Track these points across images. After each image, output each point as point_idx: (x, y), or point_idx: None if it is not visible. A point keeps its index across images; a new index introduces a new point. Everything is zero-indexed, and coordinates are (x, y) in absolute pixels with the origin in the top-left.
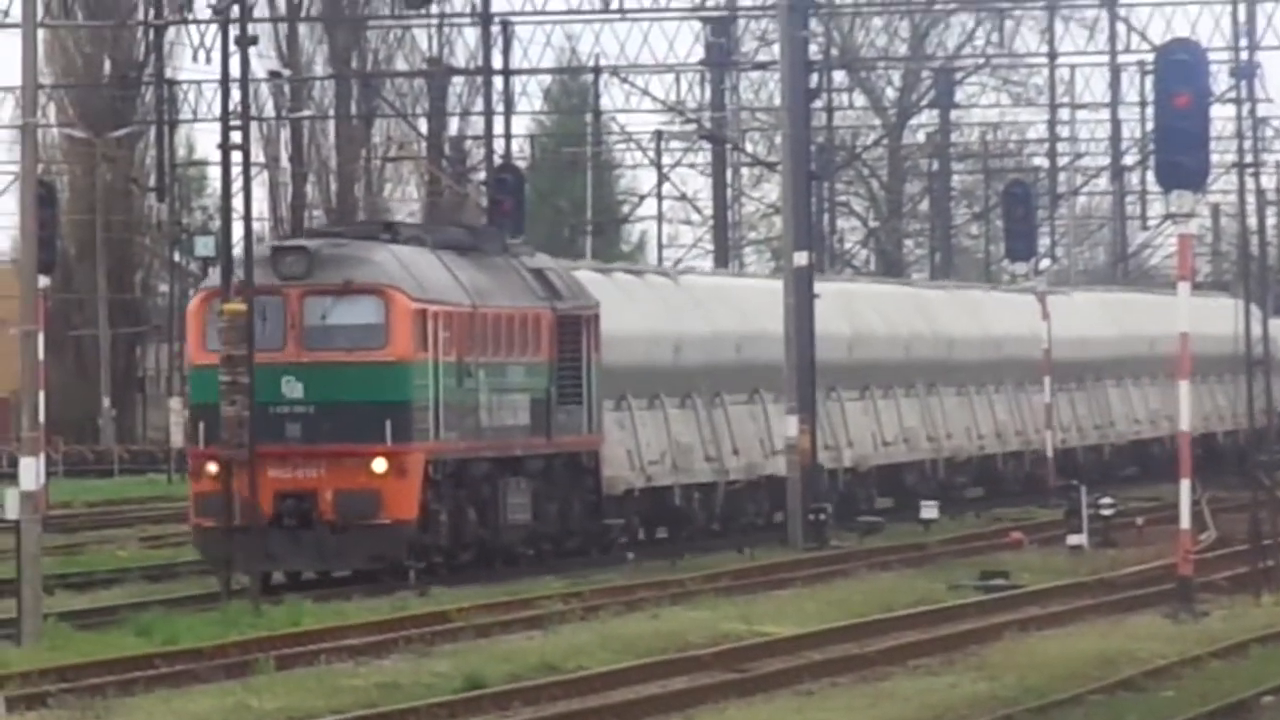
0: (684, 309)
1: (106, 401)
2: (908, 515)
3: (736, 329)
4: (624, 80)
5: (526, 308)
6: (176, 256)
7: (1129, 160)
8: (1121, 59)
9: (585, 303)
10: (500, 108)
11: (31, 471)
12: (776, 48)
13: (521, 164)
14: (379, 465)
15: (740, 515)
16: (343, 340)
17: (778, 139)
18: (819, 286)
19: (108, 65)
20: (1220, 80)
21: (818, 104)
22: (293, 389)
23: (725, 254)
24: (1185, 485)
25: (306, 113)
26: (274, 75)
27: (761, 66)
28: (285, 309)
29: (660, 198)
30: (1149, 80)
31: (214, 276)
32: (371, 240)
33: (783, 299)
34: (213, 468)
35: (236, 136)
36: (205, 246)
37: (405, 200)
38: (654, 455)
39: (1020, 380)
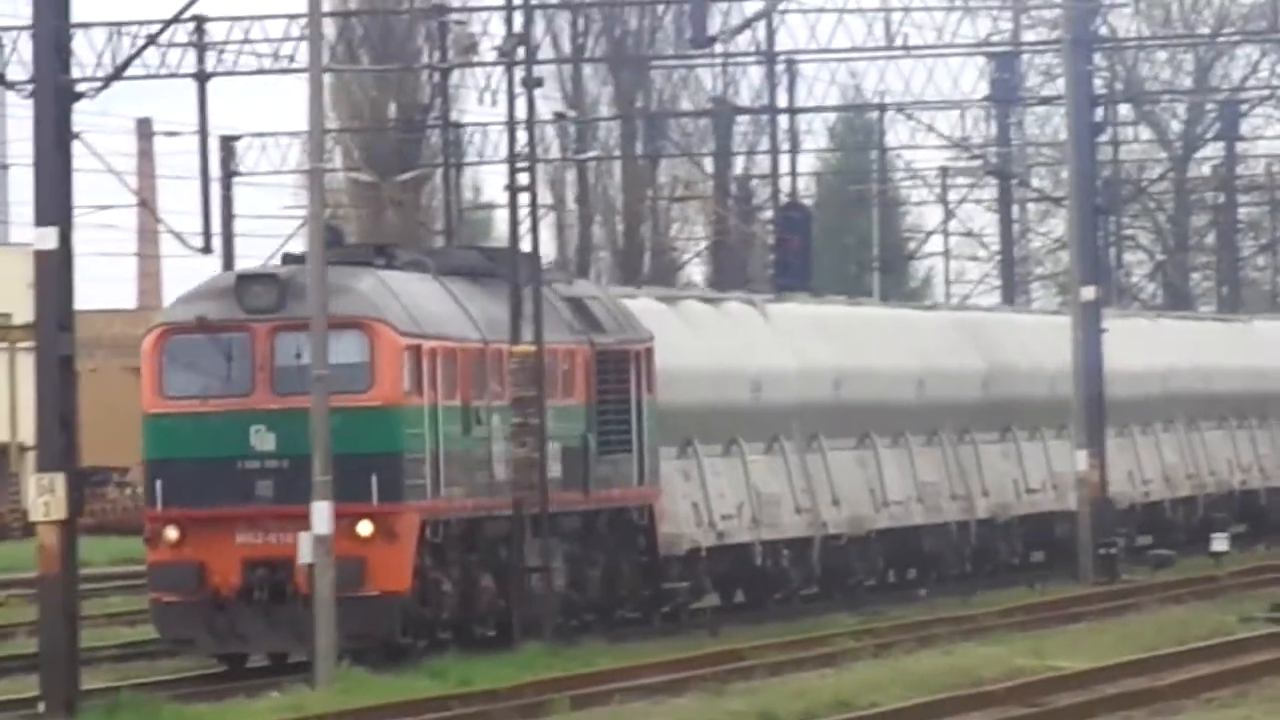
0: (766, 341)
1: None
2: (1198, 549)
3: (834, 364)
4: (909, 116)
5: (555, 343)
6: None
7: None
8: None
9: (634, 336)
10: (786, 146)
11: (324, 515)
12: (1061, 82)
13: (808, 201)
14: (364, 528)
15: (845, 575)
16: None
17: (1064, 173)
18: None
19: (393, 108)
20: None
21: (1103, 138)
22: (263, 440)
23: (1012, 289)
24: None
25: (592, 153)
26: (559, 116)
27: (1047, 101)
28: (253, 347)
29: (946, 234)
30: None
31: (173, 310)
32: (356, 265)
33: (894, 329)
34: (173, 533)
35: (523, 178)
36: None
37: (692, 239)
38: (728, 509)
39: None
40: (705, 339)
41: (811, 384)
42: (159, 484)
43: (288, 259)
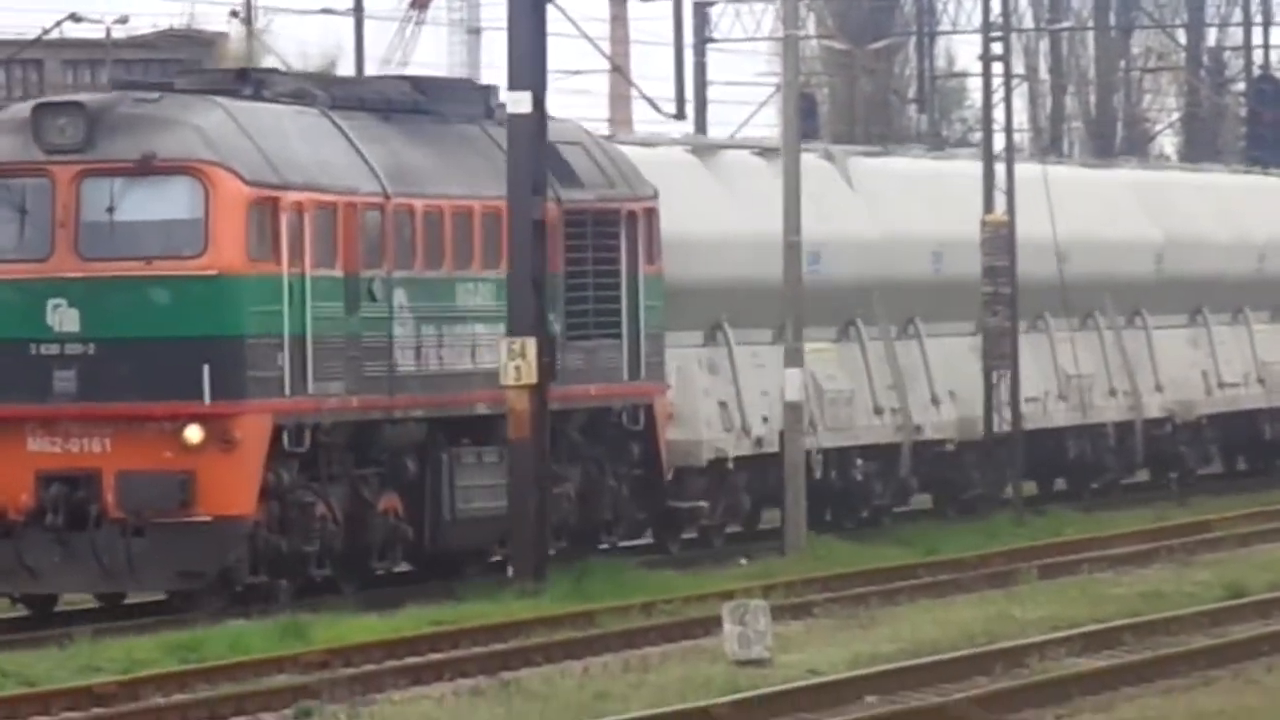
0: (838, 203)
1: None
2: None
3: (934, 233)
4: None
5: (498, 197)
6: None
7: None
8: None
9: (629, 192)
10: (1259, 18)
11: (797, 383)
12: None
13: None
14: (192, 434)
15: (955, 485)
16: (139, 244)
17: None
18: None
19: None
20: None
21: None
22: (63, 319)
23: None
24: None
25: (1066, 24)
26: None
27: None
28: (51, 198)
29: None
30: None
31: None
32: (201, 95)
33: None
34: None
35: (997, 48)
36: None
37: (1164, 111)
38: (768, 409)
39: None
40: (740, 199)
41: (912, 256)
42: None
43: (116, 85)
